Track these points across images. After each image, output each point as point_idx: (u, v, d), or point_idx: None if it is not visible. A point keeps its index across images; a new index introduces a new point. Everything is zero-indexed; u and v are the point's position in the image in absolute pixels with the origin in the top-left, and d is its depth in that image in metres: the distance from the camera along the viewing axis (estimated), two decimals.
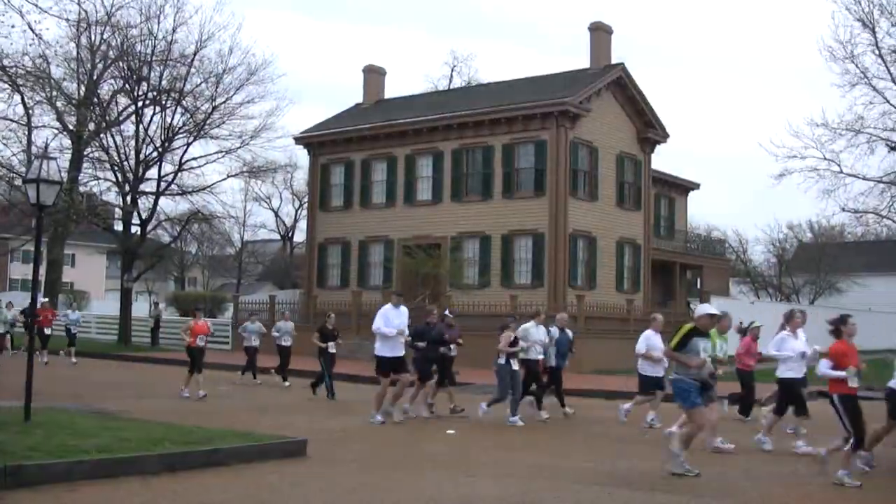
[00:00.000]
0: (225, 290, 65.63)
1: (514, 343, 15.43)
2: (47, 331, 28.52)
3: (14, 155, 36.49)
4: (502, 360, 15.40)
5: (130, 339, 38.12)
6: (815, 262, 60.02)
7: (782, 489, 9.83)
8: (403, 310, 15.28)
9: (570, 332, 17.51)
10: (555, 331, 16.82)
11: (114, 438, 10.33)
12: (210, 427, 12.31)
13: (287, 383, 22.31)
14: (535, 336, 16.08)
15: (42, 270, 40.02)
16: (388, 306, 15.23)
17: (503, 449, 12.37)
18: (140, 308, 38.37)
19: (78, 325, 30.79)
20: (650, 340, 15.31)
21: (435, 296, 30.65)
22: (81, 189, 38.41)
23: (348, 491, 9.04)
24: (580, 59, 73.01)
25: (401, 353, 15.15)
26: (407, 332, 15.23)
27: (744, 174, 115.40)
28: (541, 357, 16.24)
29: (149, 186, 43.22)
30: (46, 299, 31.50)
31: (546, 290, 33.10)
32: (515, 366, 15.43)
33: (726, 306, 40.06)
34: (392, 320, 14.96)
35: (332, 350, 19.58)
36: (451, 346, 16.73)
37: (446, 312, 18.39)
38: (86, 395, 18.24)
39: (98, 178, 42.00)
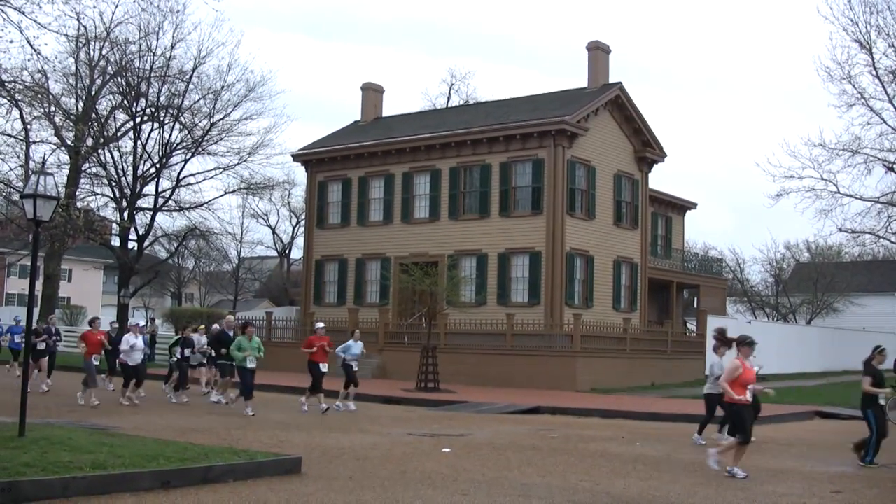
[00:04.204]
0: (222, 307, 65.55)
1: None
2: (323, 367, 21.44)
3: (12, 170, 36.68)
4: None
5: None
6: (812, 281, 60.12)
7: None
8: None
9: None
10: None
11: (109, 455, 10.30)
12: (205, 444, 12.29)
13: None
14: None
15: (39, 285, 39.97)
16: None
17: (498, 468, 12.33)
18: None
19: (359, 360, 22.58)
20: None
21: (431, 314, 30.65)
22: (79, 204, 38.45)
23: None
24: (578, 78, 73.31)
25: None
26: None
27: (741, 194, 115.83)
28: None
29: (146, 202, 43.46)
30: (322, 325, 23.25)
31: (543, 308, 33.09)
32: None
33: (724, 326, 40.17)
34: None
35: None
36: None
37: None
38: (81, 411, 18.21)
39: (95, 194, 42.24)
